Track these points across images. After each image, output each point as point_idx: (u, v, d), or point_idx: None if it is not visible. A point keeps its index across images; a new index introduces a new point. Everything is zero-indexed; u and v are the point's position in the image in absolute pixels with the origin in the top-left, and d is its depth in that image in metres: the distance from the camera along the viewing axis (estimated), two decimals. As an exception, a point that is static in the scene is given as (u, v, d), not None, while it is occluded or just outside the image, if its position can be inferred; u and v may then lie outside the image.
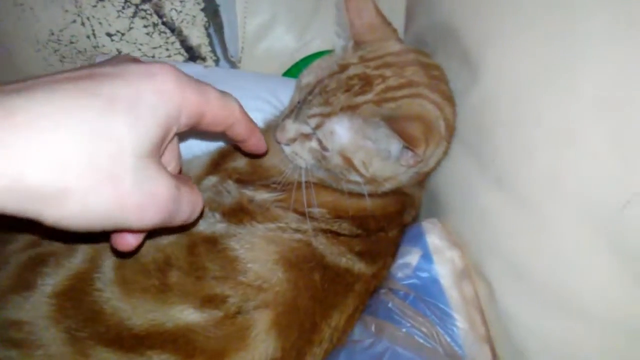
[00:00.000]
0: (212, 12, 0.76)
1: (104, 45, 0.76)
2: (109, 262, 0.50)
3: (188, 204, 0.36)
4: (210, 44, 0.78)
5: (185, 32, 0.77)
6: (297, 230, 0.54)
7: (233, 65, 0.80)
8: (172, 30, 0.76)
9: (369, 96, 0.52)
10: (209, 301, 0.49)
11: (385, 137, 0.52)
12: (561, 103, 0.44)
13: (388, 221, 0.59)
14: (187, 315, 0.48)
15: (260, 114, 0.66)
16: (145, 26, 0.75)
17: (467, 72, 0.54)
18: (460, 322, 0.52)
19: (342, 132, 0.54)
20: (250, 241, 0.53)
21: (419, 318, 0.53)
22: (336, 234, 0.55)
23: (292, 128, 0.57)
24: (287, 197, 0.57)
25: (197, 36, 0.77)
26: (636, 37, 0.39)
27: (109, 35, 0.75)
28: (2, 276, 0.50)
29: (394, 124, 0.49)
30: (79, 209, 0.29)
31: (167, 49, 0.77)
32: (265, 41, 0.80)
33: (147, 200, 0.32)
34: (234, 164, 0.62)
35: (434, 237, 0.56)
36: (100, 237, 0.38)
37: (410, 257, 0.56)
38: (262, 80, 0.75)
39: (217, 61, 0.80)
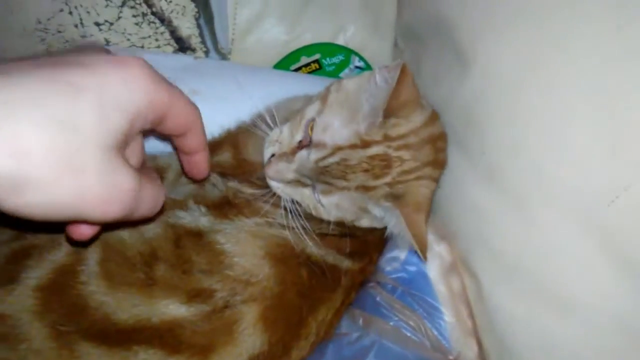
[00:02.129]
0: (202, 3, 0.75)
1: (91, 35, 0.74)
2: (94, 256, 0.49)
3: (150, 198, 0.35)
4: (201, 35, 0.77)
5: (175, 22, 0.76)
6: (284, 227, 0.54)
7: (223, 56, 0.79)
8: (162, 20, 0.75)
9: (387, 179, 0.50)
10: (196, 295, 0.48)
11: (390, 216, 0.51)
12: (551, 98, 0.44)
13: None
14: (174, 309, 0.48)
15: (249, 107, 0.65)
16: (134, 16, 0.74)
17: (458, 65, 0.54)
18: (448, 316, 0.53)
19: (347, 204, 0.53)
20: (236, 235, 0.52)
21: (406, 312, 0.53)
22: (324, 235, 0.55)
23: (289, 172, 0.53)
24: (273, 193, 0.56)
25: (187, 27, 0.76)
26: (627, 33, 0.38)
27: (97, 24, 0.74)
28: None
29: (411, 225, 0.48)
30: (38, 199, 0.28)
31: (157, 39, 0.76)
32: (256, 33, 0.79)
33: (110, 193, 0.31)
34: (218, 157, 0.61)
35: (422, 231, 0.56)
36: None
37: (398, 251, 0.56)
38: (252, 72, 0.74)
39: (207, 52, 0.79)
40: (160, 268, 0.49)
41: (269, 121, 0.58)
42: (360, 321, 0.52)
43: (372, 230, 0.56)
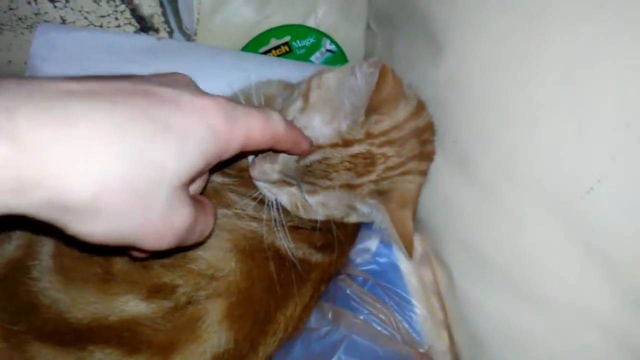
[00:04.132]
0: (165, -21, 0.71)
1: (46, 12, 0.70)
2: (47, 249, 0.46)
3: (200, 231, 0.36)
4: (164, 14, 0.73)
5: (136, 0, 0.71)
6: (253, 218, 0.52)
7: (188, 37, 0.75)
8: (122, -3, 0.71)
9: (371, 177, 0.49)
10: (157, 291, 0.46)
11: (377, 213, 0.50)
12: (524, 87, 0.43)
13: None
14: (133, 306, 0.45)
15: (215, 92, 0.62)
16: (91, -8, 0.70)
17: (432, 51, 0.52)
18: (419, 309, 0.52)
19: (333, 203, 0.51)
20: None
21: (377, 304, 0.51)
22: (296, 227, 0.53)
23: (274, 173, 0.51)
24: (242, 183, 0.54)
25: (149, 5, 0.72)
26: (603, 20, 0.37)
27: (51, 1, 0.69)
28: None
29: (396, 222, 0.48)
30: (105, 227, 0.29)
31: (117, 18, 0.72)
32: (223, 13, 0.76)
33: (167, 228, 0.32)
34: None
35: (393, 222, 0.54)
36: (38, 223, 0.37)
37: (369, 242, 0.54)
38: (218, 54, 0.71)
39: (170, 33, 0.75)
40: (118, 262, 0.47)
41: None
42: (330, 315, 0.51)
43: (344, 223, 0.55)
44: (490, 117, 0.45)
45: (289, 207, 0.52)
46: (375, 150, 0.48)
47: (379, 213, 0.49)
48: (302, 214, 0.52)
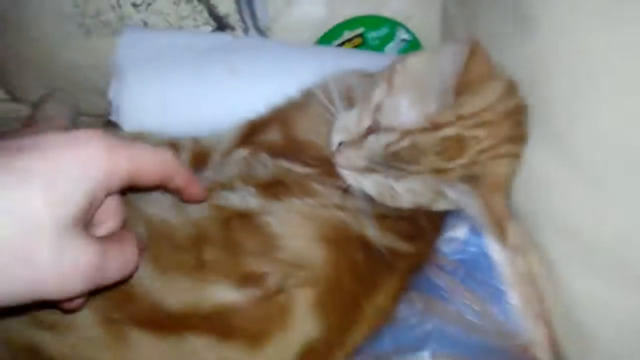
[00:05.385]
0: (240, -21, 0.73)
1: (130, 17, 0.73)
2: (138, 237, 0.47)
3: (117, 266, 0.35)
4: (239, 12, 0.74)
5: (213, 0, 0.73)
6: (339, 207, 0.51)
7: (263, 34, 0.76)
8: (199, -2, 0.73)
9: (462, 161, 0.47)
10: (248, 279, 0.46)
11: (467, 198, 0.48)
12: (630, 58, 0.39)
13: None
14: (225, 294, 0.46)
15: (294, 85, 0.62)
16: (171, -5, 0.72)
17: (519, 29, 0.50)
18: (515, 300, 0.49)
19: (421, 189, 0.50)
20: (287, 217, 0.50)
21: (468, 295, 0.49)
22: (383, 216, 0.52)
23: (360, 159, 0.49)
24: (324, 172, 0.54)
25: (225, 4, 0.73)
26: None
27: (134, 5, 0.72)
28: None
29: (488, 208, 0.46)
30: None
31: (195, 19, 0.74)
32: (296, 9, 0.76)
33: (67, 272, 0.31)
34: (266, 136, 0.58)
35: (484, 209, 0.52)
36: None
37: (458, 230, 0.52)
38: (292, 49, 0.71)
39: (246, 30, 0.76)
40: (209, 251, 0.47)
41: (324, 98, 0.55)
42: (420, 305, 0.49)
43: (430, 211, 0.53)
44: (591, 85, 0.42)
45: (375, 195, 0.51)
46: (467, 132, 0.46)
47: (470, 199, 0.47)
48: (389, 201, 0.51)
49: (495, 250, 0.50)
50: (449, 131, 0.46)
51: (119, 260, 0.36)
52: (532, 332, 0.48)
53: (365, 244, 0.50)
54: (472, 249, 0.51)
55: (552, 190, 0.47)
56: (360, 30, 0.76)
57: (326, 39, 0.76)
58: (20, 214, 0.29)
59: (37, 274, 0.30)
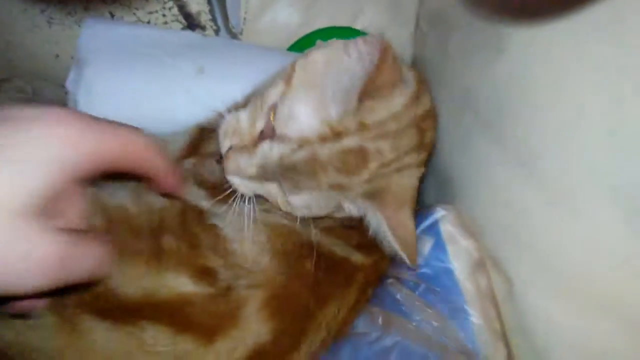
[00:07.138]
0: (214, -22, 0.71)
1: (95, 7, 0.70)
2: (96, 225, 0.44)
3: (88, 259, 0.32)
4: (211, 12, 0.73)
5: (184, -3, 0.72)
6: (284, 216, 0.50)
7: (234, 36, 0.75)
8: (170, -6, 0.71)
9: (364, 176, 0.44)
10: (204, 273, 0.45)
11: (371, 216, 0.47)
12: (599, 80, 0.40)
13: None
14: (182, 285, 0.44)
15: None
16: (141, -11, 0.70)
17: (493, 45, 0.50)
18: (475, 317, 0.48)
19: (319, 203, 0.47)
20: (236, 221, 0.48)
21: (429, 311, 0.49)
22: (329, 225, 0.51)
23: (251, 167, 0.46)
24: None
25: (197, 2, 0.72)
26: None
27: (101, -4, 0.70)
28: None
29: (395, 228, 0.44)
30: None
31: (164, 15, 0.72)
32: (270, 13, 0.75)
33: (26, 264, 0.28)
34: (212, 147, 0.55)
35: (448, 225, 0.52)
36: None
37: (421, 245, 0.51)
38: (264, 53, 0.70)
39: (217, 31, 0.75)
40: (168, 240, 0.45)
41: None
42: (380, 320, 0.48)
43: None
44: (559, 112, 0.43)
45: (270, 201, 0.50)
46: (369, 145, 0.43)
47: (374, 217, 0.46)
48: (285, 209, 0.49)
49: (457, 267, 0.50)
50: (350, 142, 0.43)
51: (86, 260, 0.32)
52: (491, 350, 0.48)
53: (314, 252, 0.47)
54: (435, 263, 0.51)
55: (513, 208, 0.47)
56: (333, 40, 0.75)
57: (298, 46, 0.76)
58: None
59: None
